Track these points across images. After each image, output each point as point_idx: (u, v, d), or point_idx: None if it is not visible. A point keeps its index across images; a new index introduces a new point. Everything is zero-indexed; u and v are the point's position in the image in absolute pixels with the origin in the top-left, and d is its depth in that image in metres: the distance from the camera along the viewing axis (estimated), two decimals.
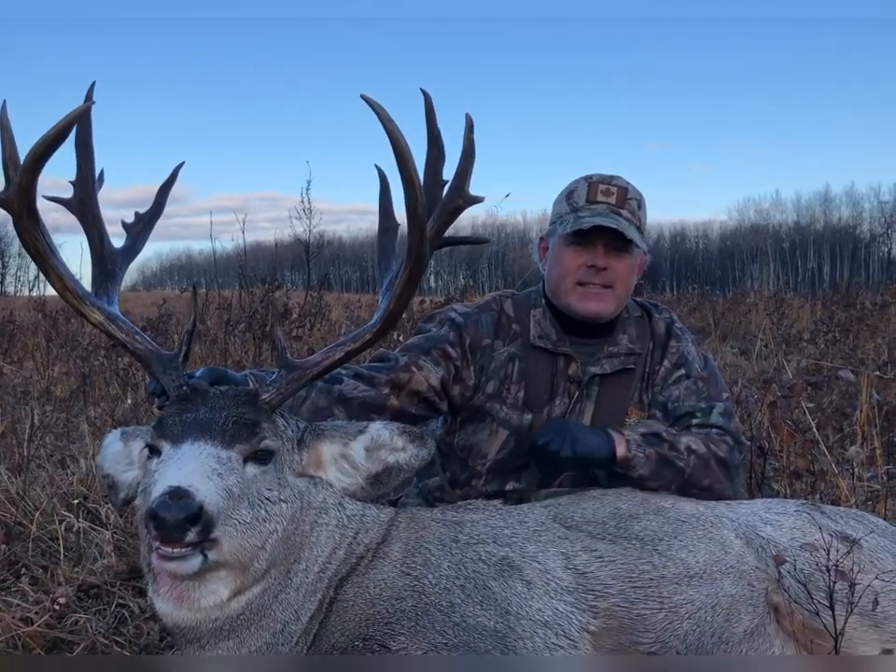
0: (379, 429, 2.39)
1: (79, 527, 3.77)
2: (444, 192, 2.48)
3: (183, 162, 2.74)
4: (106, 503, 4.13)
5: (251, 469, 2.16)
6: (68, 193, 2.52)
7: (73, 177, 2.52)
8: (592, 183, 3.15)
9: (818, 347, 8.26)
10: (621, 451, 2.85)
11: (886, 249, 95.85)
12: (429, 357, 3.08)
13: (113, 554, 3.64)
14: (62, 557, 3.60)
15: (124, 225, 2.68)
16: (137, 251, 2.68)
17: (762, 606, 2.47)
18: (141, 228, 2.69)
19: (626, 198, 3.13)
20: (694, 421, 3.07)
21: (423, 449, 2.40)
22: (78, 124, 2.41)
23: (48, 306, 11.35)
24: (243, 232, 6.81)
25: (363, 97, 2.17)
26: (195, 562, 2.00)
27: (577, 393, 3.17)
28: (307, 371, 2.38)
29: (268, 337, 6.48)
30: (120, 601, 3.36)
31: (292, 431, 2.32)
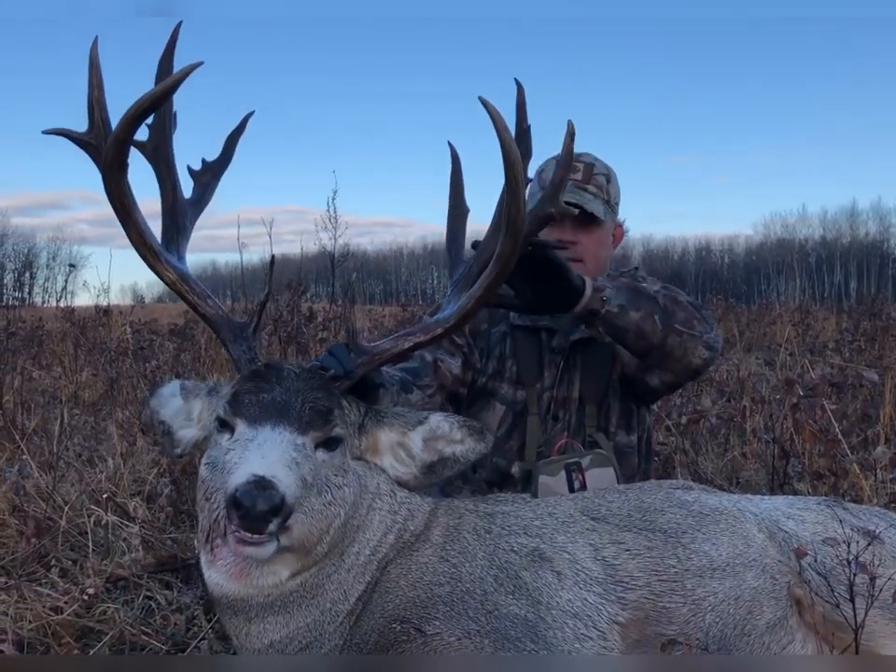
0: (439, 421, 2.41)
1: (108, 521, 3.82)
2: (534, 199, 2.51)
3: (253, 111, 2.66)
4: (134, 498, 4.21)
5: (320, 454, 2.19)
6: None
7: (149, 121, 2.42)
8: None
9: (843, 356, 8.22)
10: (590, 283, 2.83)
11: None
12: (443, 350, 3.19)
13: (140, 548, 3.69)
14: (90, 550, 3.65)
15: (191, 172, 2.58)
16: (206, 204, 2.59)
17: (784, 599, 2.48)
18: (209, 178, 2.60)
19: (593, 173, 3.25)
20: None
21: (481, 443, 2.40)
22: (161, 67, 2.38)
23: (76, 314, 11.46)
24: (269, 236, 6.86)
25: (481, 100, 2.14)
26: (271, 548, 2.05)
27: (562, 363, 3.27)
28: (376, 357, 2.37)
29: (294, 340, 6.55)
30: (147, 593, 3.42)
31: (355, 416, 2.34)
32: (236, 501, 1.93)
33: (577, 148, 2.47)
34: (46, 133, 2.21)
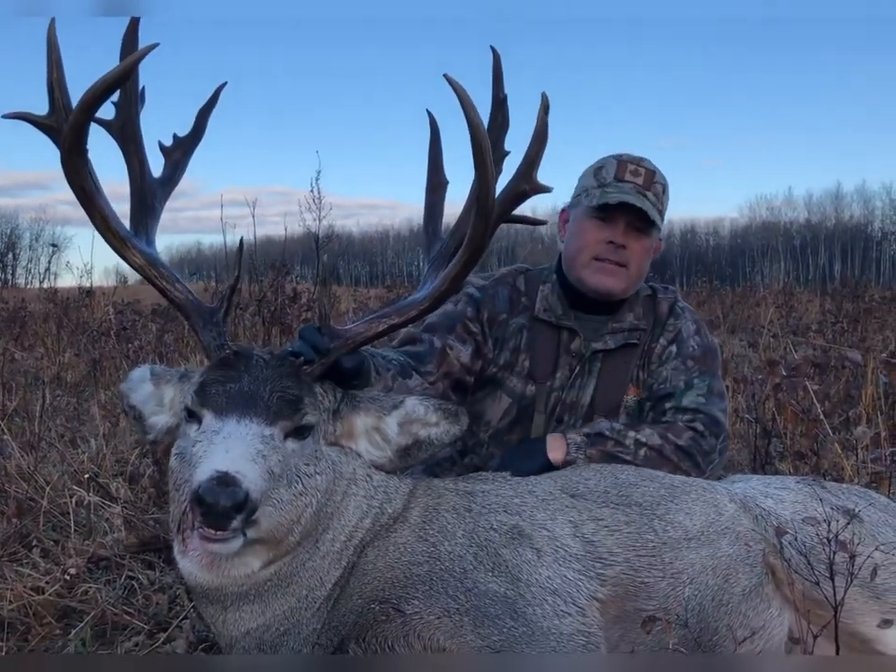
0: (415, 405, 2.39)
1: (90, 502, 3.81)
2: (508, 172, 2.39)
3: (226, 83, 2.58)
4: (117, 479, 4.20)
5: (290, 444, 2.15)
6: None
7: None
8: (621, 162, 3.17)
9: (825, 338, 8.26)
10: (556, 456, 2.85)
11: None
12: (454, 335, 3.12)
13: (123, 528, 3.68)
14: (72, 531, 3.64)
15: (162, 149, 2.52)
16: (176, 182, 2.53)
17: (759, 566, 2.52)
18: (180, 155, 2.54)
19: (653, 181, 3.15)
20: (668, 405, 3.07)
21: (455, 426, 2.40)
22: (126, 43, 2.31)
23: (59, 295, 11.40)
24: (253, 216, 6.83)
25: (446, 77, 2.08)
26: (236, 544, 2.03)
27: (577, 367, 3.20)
28: (349, 341, 2.32)
29: (277, 321, 6.54)
30: (130, 573, 3.41)
31: (329, 402, 2.32)
32: (199, 498, 1.90)
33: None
34: (5, 117, 2.15)
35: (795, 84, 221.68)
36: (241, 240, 2.65)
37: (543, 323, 3.25)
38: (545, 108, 2.29)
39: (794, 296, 14.12)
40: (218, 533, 1.96)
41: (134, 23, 2.34)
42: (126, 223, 2.36)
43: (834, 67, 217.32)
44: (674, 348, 3.18)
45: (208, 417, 2.13)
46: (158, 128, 2.58)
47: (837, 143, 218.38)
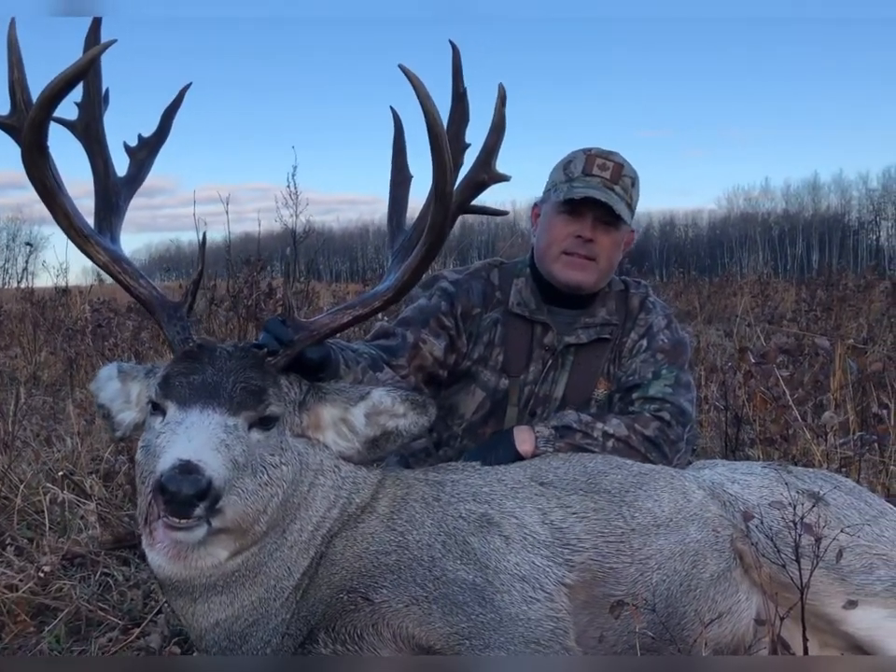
0: (381, 396, 2.40)
1: (64, 499, 3.81)
2: (470, 164, 2.41)
3: (190, 83, 2.60)
4: (91, 476, 4.19)
5: (255, 434, 2.17)
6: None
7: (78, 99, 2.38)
8: (590, 156, 3.19)
9: (800, 326, 8.33)
10: (525, 448, 2.87)
11: (874, 237, 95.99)
12: (428, 329, 3.13)
13: (97, 525, 3.68)
14: (47, 528, 3.64)
15: (127, 149, 2.53)
16: (141, 181, 2.55)
17: (727, 551, 2.55)
18: (145, 155, 2.55)
19: (621, 174, 3.17)
20: (635, 395, 3.10)
21: (423, 416, 2.41)
22: (88, 42, 2.31)
23: (35, 295, 11.34)
24: (226, 212, 6.81)
25: (400, 67, 2.09)
26: (200, 532, 2.04)
27: (550, 361, 3.23)
28: (314, 332, 2.34)
29: (253, 316, 6.52)
30: (105, 570, 3.43)
31: (294, 394, 2.33)
32: (161, 486, 1.92)
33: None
34: None
35: (773, 76, 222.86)
36: (203, 235, 2.65)
37: (517, 317, 3.28)
38: (502, 100, 2.32)
39: (770, 285, 14.17)
40: (182, 521, 1.97)
41: (97, 23, 2.35)
42: (91, 221, 2.37)
43: (812, 59, 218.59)
44: (644, 342, 3.21)
45: (171, 409, 2.15)
46: (125, 129, 2.57)
47: (814, 133, 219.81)
